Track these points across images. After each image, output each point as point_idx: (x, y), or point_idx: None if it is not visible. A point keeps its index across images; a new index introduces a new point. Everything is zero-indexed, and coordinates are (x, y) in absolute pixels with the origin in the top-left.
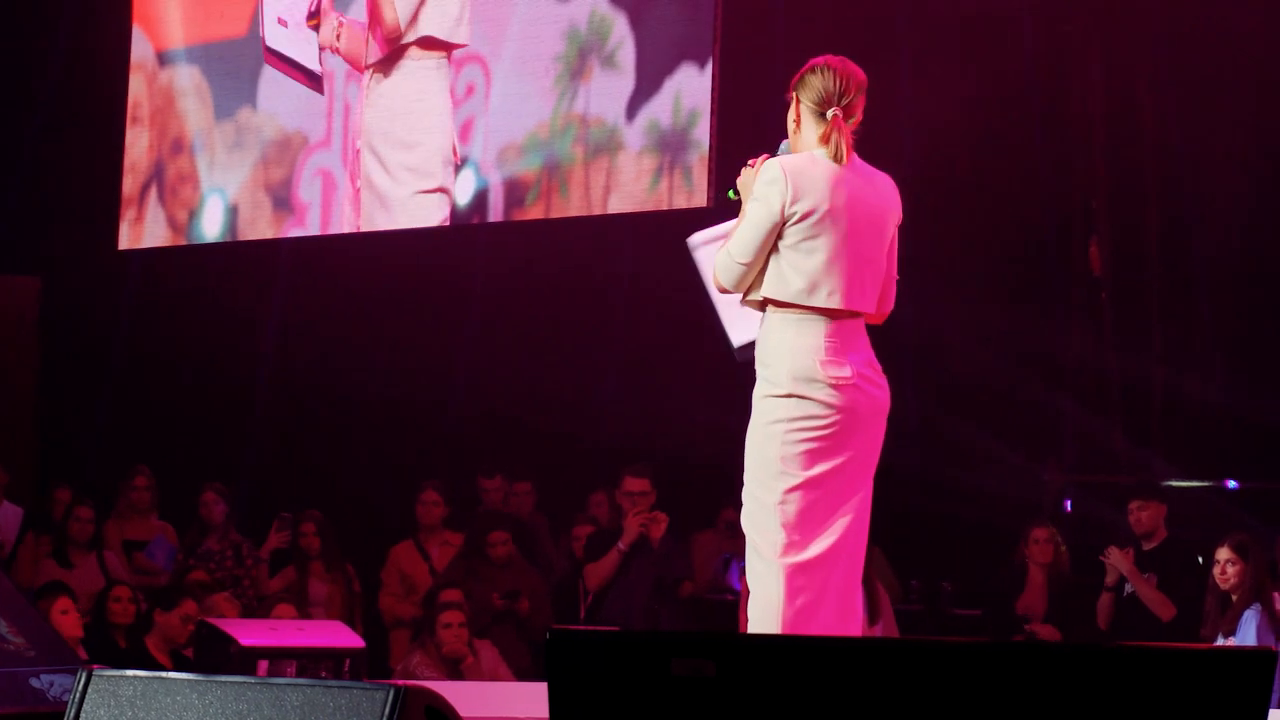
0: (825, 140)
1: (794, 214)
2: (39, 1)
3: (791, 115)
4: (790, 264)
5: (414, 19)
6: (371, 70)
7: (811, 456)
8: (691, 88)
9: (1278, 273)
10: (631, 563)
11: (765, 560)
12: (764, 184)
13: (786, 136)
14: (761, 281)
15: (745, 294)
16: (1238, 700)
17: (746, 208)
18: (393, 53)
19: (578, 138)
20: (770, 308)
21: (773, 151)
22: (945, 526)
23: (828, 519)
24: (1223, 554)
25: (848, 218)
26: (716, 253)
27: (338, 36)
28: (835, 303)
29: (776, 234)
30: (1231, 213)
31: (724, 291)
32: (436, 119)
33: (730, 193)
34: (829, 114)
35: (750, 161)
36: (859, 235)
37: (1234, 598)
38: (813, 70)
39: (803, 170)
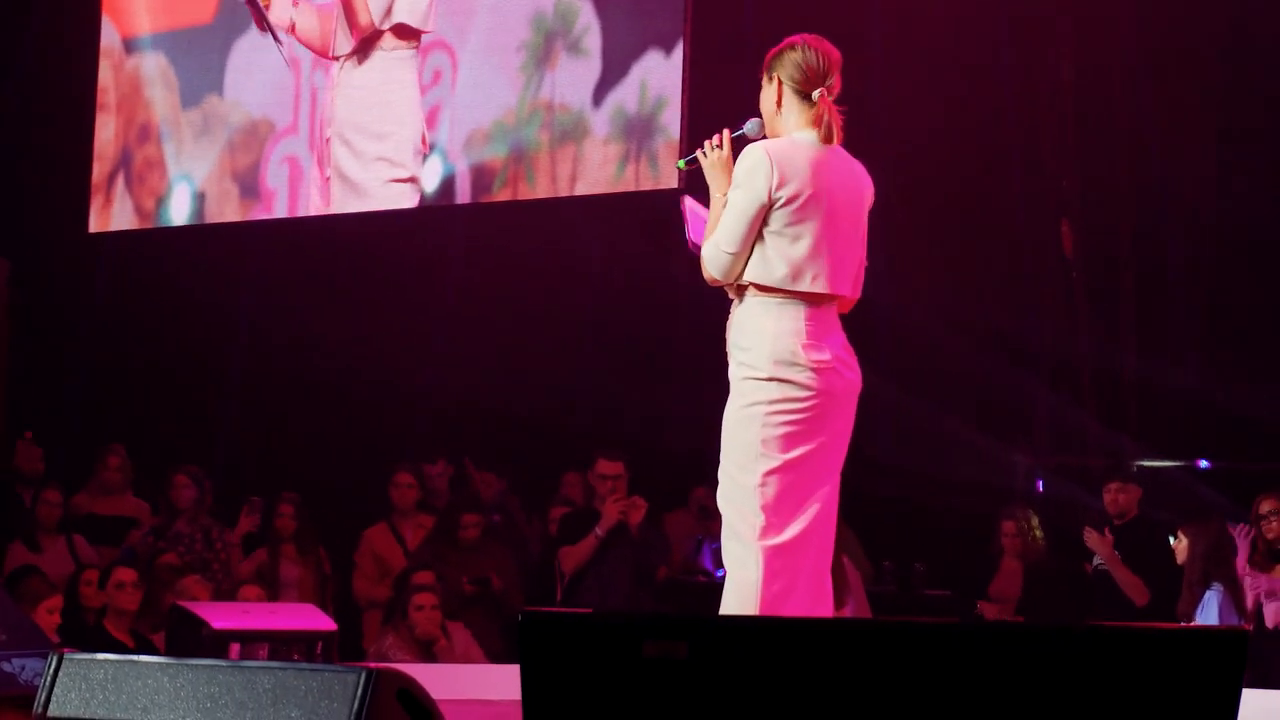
0: (817, 122)
1: (780, 198)
2: None
3: (771, 96)
4: (775, 249)
5: (388, 12)
6: (342, 60)
7: (790, 439)
8: (658, 74)
9: (1247, 256)
10: (610, 549)
11: (744, 543)
12: (747, 170)
13: (753, 116)
14: (744, 267)
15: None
16: (1211, 680)
17: (730, 196)
18: (364, 43)
19: (544, 124)
20: (750, 291)
21: (734, 129)
22: (917, 508)
23: (804, 502)
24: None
25: (830, 202)
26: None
27: (292, 25)
28: (820, 287)
29: (763, 219)
30: (1201, 195)
31: (714, 284)
32: (408, 109)
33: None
34: (815, 94)
35: (711, 141)
36: (840, 219)
37: (1191, 578)
38: (792, 48)
39: (786, 154)
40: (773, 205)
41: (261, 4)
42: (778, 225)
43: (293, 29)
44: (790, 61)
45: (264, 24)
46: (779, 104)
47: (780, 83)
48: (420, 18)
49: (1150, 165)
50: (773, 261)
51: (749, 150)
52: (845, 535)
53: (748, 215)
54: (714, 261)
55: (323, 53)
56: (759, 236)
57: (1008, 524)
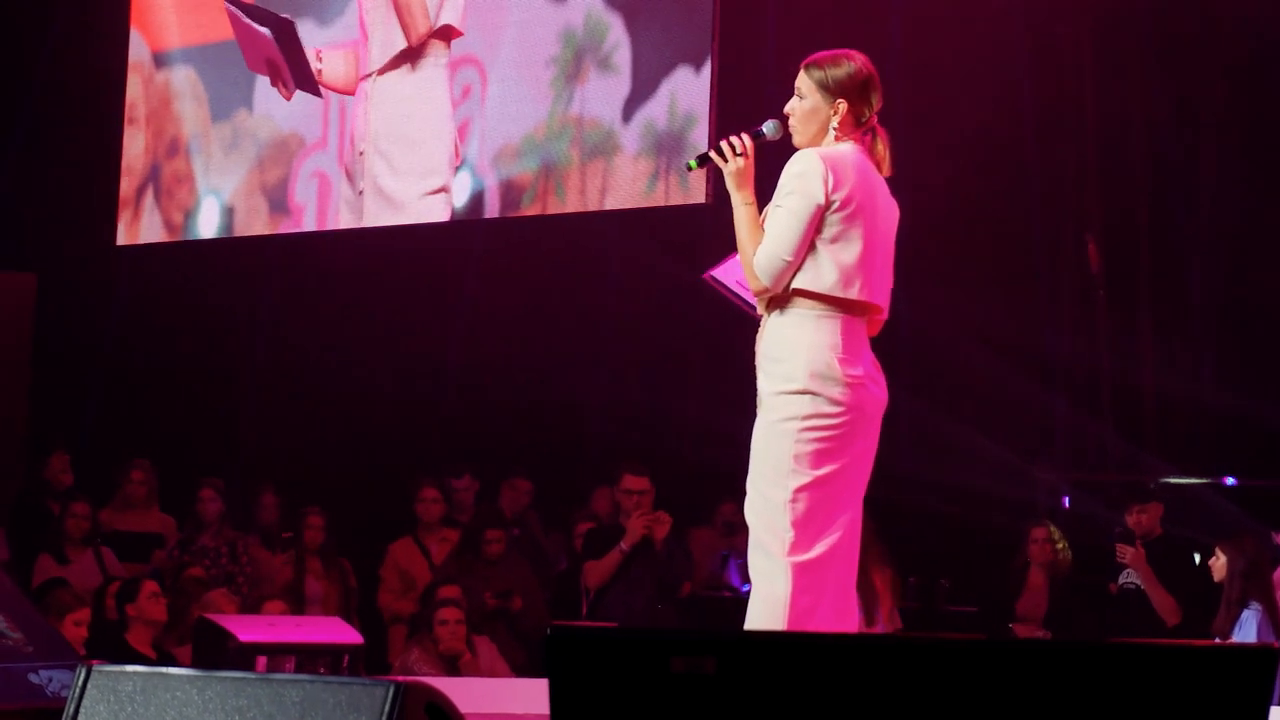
0: (865, 141)
1: (835, 201)
2: (37, 0)
3: (826, 111)
4: (826, 255)
5: (438, 14)
6: (374, 75)
7: (822, 456)
8: (687, 90)
9: (1266, 270)
10: (634, 564)
11: (772, 558)
12: (800, 175)
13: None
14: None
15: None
16: (1239, 698)
17: (783, 202)
18: (405, 53)
19: (574, 140)
20: (793, 301)
21: (750, 133)
22: (941, 524)
23: (833, 519)
24: None
25: (871, 213)
26: (755, 254)
27: (319, 74)
28: (867, 295)
29: (816, 225)
30: (1220, 210)
31: (762, 293)
32: (440, 118)
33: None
34: (866, 120)
35: (730, 144)
36: (880, 234)
37: (1230, 597)
38: (849, 64)
39: (836, 159)
40: (828, 208)
41: (288, 86)
42: (830, 232)
43: (319, 77)
44: (854, 82)
45: (290, 91)
46: (841, 123)
47: (843, 102)
48: (459, 16)
49: (1171, 180)
50: (823, 268)
51: (801, 155)
52: (879, 551)
53: (804, 219)
54: (769, 268)
55: (348, 90)
56: (810, 244)
57: (1037, 530)
